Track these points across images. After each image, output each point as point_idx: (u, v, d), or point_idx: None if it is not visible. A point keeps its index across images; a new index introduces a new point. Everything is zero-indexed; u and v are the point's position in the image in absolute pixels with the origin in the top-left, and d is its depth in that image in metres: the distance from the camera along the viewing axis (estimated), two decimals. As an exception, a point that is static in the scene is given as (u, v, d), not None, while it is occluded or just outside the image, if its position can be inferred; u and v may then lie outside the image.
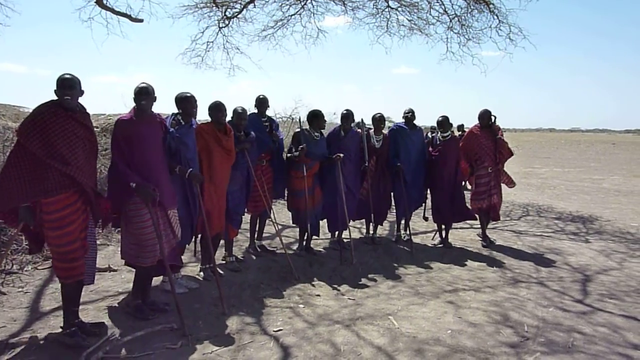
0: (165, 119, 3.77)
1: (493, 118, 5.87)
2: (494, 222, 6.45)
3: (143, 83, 3.39)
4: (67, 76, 2.91)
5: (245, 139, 4.56)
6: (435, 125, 6.04)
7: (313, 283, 4.51)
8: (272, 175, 5.14)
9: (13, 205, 2.84)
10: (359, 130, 5.69)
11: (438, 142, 5.88)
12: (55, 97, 2.92)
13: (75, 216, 2.94)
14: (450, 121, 5.92)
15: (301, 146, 4.96)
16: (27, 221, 2.88)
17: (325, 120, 5.33)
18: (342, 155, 5.17)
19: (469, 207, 5.97)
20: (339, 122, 5.61)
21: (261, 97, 5.11)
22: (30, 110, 3.01)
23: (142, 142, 3.30)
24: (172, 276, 3.54)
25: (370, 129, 5.92)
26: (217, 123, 4.21)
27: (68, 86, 2.89)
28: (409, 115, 5.89)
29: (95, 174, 3.24)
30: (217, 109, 4.20)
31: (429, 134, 6.44)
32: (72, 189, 2.90)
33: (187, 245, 4.27)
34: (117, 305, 3.70)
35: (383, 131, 5.88)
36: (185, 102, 3.86)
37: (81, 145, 2.96)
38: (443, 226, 6.04)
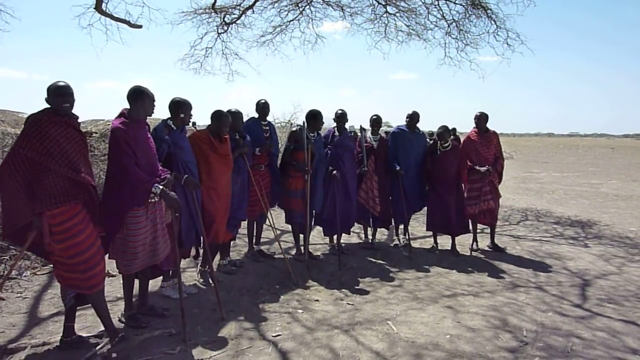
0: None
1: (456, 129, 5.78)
2: (498, 228, 6.27)
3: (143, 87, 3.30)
4: (63, 84, 2.84)
5: (243, 142, 4.56)
6: (435, 133, 6.01)
7: (312, 288, 4.51)
8: (270, 180, 5.14)
9: (24, 221, 2.77)
10: (358, 134, 5.71)
11: (438, 152, 5.83)
12: (47, 106, 2.85)
13: (82, 225, 2.88)
14: (450, 129, 5.91)
15: (307, 168, 4.98)
16: (40, 229, 2.77)
17: (322, 122, 5.32)
18: (339, 177, 5.22)
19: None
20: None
21: (263, 102, 5.13)
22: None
23: (143, 146, 3.23)
24: (181, 280, 3.52)
25: (368, 130, 5.94)
26: (215, 132, 4.20)
27: (68, 94, 2.84)
28: (408, 121, 5.91)
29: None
30: (218, 118, 4.19)
31: (428, 139, 6.42)
32: (78, 198, 2.85)
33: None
34: (115, 310, 3.69)
35: (380, 132, 5.91)
36: (184, 107, 3.83)
37: (83, 152, 2.94)
38: (438, 234, 6.04)
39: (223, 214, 4.31)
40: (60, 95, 2.83)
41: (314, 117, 5.18)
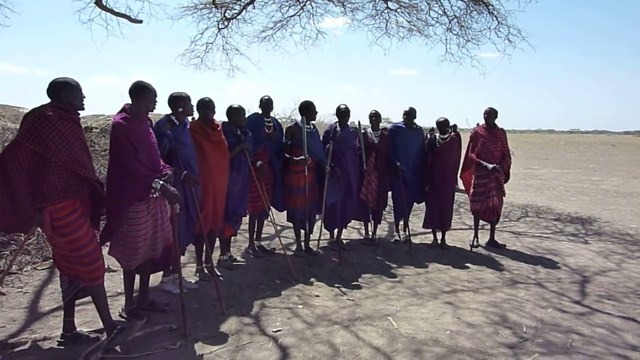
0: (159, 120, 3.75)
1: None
2: (498, 224, 6.28)
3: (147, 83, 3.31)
4: (74, 80, 2.89)
5: (244, 138, 4.56)
6: (435, 126, 5.98)
7: (312, 283, 4.51)
8: (271, 177, 5.13)
9: (23, 215, 2.77)
10: (356, 127, 5.69)
11: (438, 145, 5.80)
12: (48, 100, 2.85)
13: (82, 220, 2.90)
14: (450, 123, 5.88)
15: (301, 157, 4.97)
16: (41, 223, 2.80)
17: (316, 112, 5.29)
18: (336, 170, 5.21)
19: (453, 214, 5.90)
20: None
21: (266, 98, 5.10)
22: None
23: (145, 141, 3.23)
24: (181, 275, 3.52)
25: (368, 127, 5.92)
26: (204, 119, 4.21)
27: (80, 89, 2.90)
28: (405, 117, 5.90)
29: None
30: (205, 105, 4.20)
31: (428, 135, 6.41)
32: (79, 194, 2.87)
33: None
34: (116, 305, 3.70)
35: (380, 128, 5.89)
36: (182, 101, 3.82)
37: (86, 148, 2.94)
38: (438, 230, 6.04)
39: (215, 204, 4.25)
40: (75, 89, 2.87)
41: (306, 108, 5.18)
